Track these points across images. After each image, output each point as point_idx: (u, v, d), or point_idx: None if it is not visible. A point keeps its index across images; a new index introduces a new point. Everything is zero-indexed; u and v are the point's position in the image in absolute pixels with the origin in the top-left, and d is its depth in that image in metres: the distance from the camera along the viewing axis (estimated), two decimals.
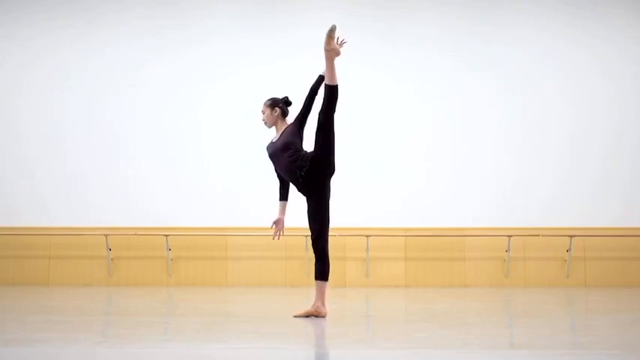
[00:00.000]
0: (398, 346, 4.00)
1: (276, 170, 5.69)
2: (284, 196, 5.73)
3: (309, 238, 9.80)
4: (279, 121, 5.66)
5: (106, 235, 10.32)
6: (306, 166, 5.39)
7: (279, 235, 5.74)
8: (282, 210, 5.72)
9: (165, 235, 10.26)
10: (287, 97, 5.73)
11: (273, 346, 3.96)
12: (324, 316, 5.40)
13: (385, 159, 10.66)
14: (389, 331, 4.92)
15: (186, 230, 10.41)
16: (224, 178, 10.58)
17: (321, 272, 5.46)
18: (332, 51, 5.31)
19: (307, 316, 5.42)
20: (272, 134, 5.79)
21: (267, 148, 5.70)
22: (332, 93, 5.32)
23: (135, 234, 10.34)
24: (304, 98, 5.64)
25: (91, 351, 3.80)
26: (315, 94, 5.65)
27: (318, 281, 5.47)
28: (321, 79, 5.67)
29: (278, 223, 5.73)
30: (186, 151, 10.82)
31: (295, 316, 5.45)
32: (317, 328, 4.91)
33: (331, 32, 5.30)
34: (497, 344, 4.13)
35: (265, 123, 5.73)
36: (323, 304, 5.43)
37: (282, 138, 5.55)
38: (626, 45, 10.82)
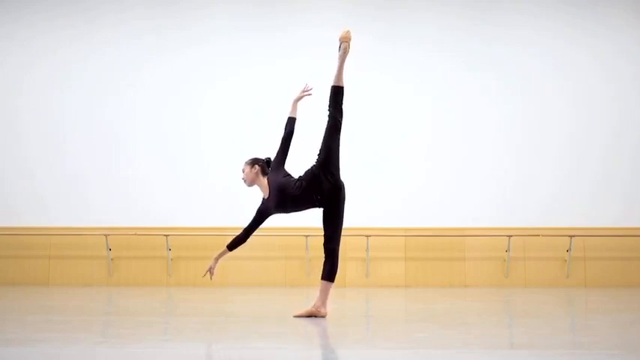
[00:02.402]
0: (398, 346, 4.00)
1: (257, 222, 5.59)
2: (233, 248, 5.61)
3: (309, 239, 9.89)
4: (259, 179, 5.59)
5: (106, 235, 10.32)
6: (317, 188, 5.40)
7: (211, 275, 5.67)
8: (222, 257, 5.63)
9: (165, 235, 10.26)
10: (269, 158, 5.71)
11: (274, 346, 3.96)
12: (323, 316, 5.40)
13: (385, 159, 10.66)
14: (389, 331, 4.93)
15: (187, 230, 10.41)
16: (224, 178, 10.57)
17: (328, 273, 5.46)
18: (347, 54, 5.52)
19: (307, 316, 5.42)
20: (256, 194, 5.69)
21: (267, 208, 5.55)
22: (342, 94, 5.54)
23: (135, 234, 10.34)
24: (280, 143, 5.66)
25: (91, 351, 3.80)
26: (292, 136, 5.68)
27: (324, 281, 5.47)
28: (292, 120, 5.71)
29: (212, 269, 5.65)
30: (186, 151, 10.82)
31: (295, 316, 5.45)
32: (317, 328, 4.92)
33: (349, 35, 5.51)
34: (498, 344, 4.14)
35: (244, 181, 5.65)
36: (324, 304, 5.43)
37: (275, 185, 5.48)
38: (626, 45, 10.81)
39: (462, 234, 10.34)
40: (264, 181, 5.59)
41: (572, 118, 10.71)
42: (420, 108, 10.78)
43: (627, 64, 10.78)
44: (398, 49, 10.84)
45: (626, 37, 10.82)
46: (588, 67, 10.78)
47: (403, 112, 10.77)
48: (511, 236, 10.10)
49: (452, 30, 10.87)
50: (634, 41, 10.81)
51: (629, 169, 10.59)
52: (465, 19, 10.88)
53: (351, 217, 10.05)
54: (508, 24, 10.88)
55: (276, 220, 9.81)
